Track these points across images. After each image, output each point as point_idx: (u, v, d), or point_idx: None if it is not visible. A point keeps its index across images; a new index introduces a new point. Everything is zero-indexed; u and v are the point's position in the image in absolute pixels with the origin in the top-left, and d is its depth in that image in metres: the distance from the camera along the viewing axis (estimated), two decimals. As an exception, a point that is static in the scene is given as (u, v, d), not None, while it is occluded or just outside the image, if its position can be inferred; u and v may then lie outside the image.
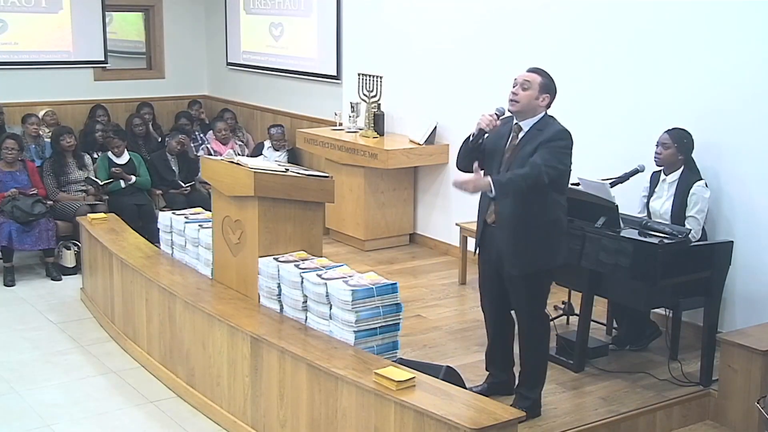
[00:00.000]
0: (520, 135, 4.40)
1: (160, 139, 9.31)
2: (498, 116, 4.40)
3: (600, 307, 5.55)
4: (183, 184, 8.39)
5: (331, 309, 4.45)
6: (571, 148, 4.33)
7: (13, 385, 5.39)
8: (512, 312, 4.68)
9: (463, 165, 4.49)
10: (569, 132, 4.34)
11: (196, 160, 8.47)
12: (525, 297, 4.49)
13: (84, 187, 7.90)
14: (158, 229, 6.08)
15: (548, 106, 4.43)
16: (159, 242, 6.09)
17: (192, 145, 9.21)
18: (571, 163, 4.36)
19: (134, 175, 8.12)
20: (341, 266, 4.73)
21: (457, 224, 6.82)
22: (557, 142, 4.28)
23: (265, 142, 9.20)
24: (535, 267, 4.40)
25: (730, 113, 5.37)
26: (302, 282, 4.59)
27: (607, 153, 6.00)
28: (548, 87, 4.41)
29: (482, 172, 4.27)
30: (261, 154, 8.94)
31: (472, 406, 3.74)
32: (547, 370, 4.65)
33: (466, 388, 4.25)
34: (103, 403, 5.19)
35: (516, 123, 4.44)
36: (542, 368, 4.61)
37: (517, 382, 4.69)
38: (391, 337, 4.46)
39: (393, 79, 7.83)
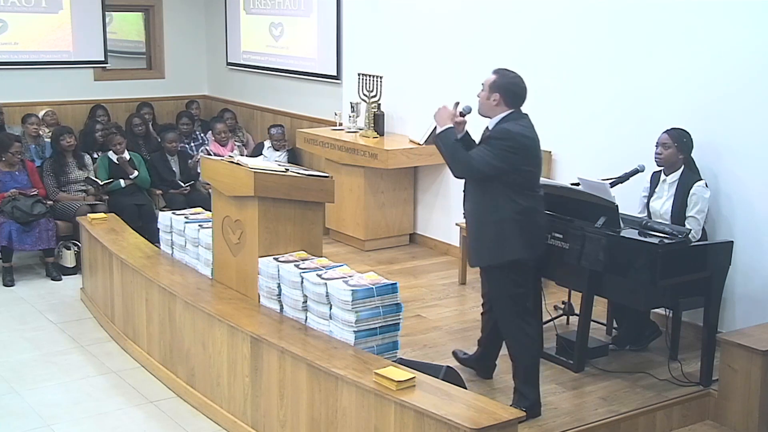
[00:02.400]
0: (485, 135, 4.58)
1: (159, 139, 9.31)
2: (461, 114, 4.58)
3: (600, 307, 5.55)
4: (183, 184, 8.39)
5: (331, 309, 4.46)
6: (515, 148, 4.36)
7: (13, 385, 5.39)
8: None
9: None
10: (514, 132, 4.39)
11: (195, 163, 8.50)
12: (492, 290, 4.69)
13: (84, 187, 7.90)
14: (158, 229, 6.08)
15: (509, 105, 4.47)
16: (159, 242, 6.09)
17: (192, 144, 9.22)
18: (518, 162, 4.37)
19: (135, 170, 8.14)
20: (341, 266, 4.73)
21: (457, 224, 6.82)
22: (495, 141, 4.40)
23: (265, 142, 9.19)
24: (485, 262, 4.61)
25: (730, 113, 5.37)
26: (302, 282, 4.60)
27: (607, 153, 6.01)
28: (499, 86, 4.47)
29: (452, 108, 4.55)
30: (261, 154, 8.94)
31: (472, 406, 3.74)
32: (537, 367, 4.64)
33: (466, 389, 4.25)
34: (103, 403, 5.19)
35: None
36: (528, 364, 4.61)
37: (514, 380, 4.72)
38: (391, 337, 4.47)
39: (393, 79, 7.83)
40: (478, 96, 4.55)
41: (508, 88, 4.48)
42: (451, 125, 4.48)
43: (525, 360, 4.59)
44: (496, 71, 4.56)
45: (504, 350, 5.31)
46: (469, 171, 4.44)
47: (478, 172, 4.40)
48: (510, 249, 4.48)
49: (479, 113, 4.59)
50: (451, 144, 4.46)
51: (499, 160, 4.35)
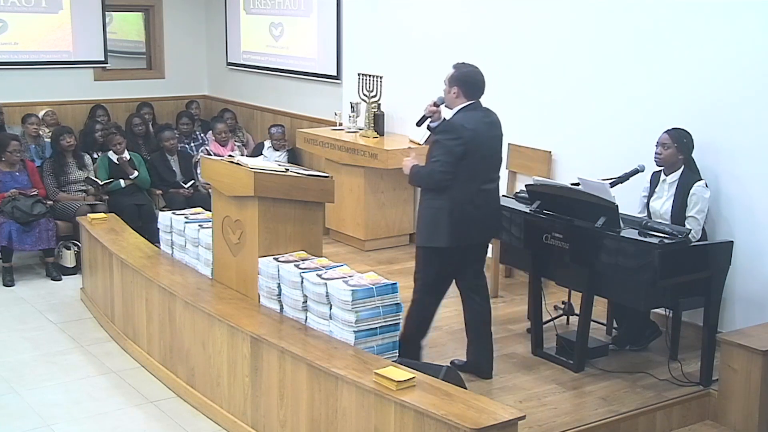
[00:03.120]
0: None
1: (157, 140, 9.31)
2: (436, 104, 4.90)
3: (600, 307, 5.54)
4: (184, 185, 8.38)
5: (331, 309, 4.46)
6: (457, 139, 4.66)
7: (13, 385, 5.39)
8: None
9: None
10: (455, 124, 4.71)
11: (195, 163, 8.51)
12: (416, 265, 4.97)
13: (84, 187, 7.90)
14: (158, 229, 6.08)
15: (467, 96, 4.78)
16: (159, 242, 6.09)
17: (192, 144, 9.22)
18: (463, 153, 4.65)
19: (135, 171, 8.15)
20: (341, 266, 4.74)
21: (457, 224, 6.81)
22: (438, 136, 4.76)
23: (265, 142, 9.19)
24: (420, 242, 4.90)
25: (730, 113, 5.36)
26: (302, 282, 4.60)
27: (607, 153, 6.01)
28: (456, 79, 4.79)
29: (412, 156, 5.04)
30: (261, 154, 8.94)
31: (472, 406, 3.74)
32: (419, 337, 4.93)
33: (466, 389, 4.25)
34: (103, 403, 5.19)
35: None
36: (412, 331, 4.90)
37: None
38: (391, 337, 4.47)
39: (393, 79, 7.82)
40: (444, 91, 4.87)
41: (465, 80, 4.79)
42: (416, 162, 4.89)
43: (412, 328, 4.88)
44: (455, 65, 4.87)
45: (500, 350, 5.33)
46: (437, 180, 4.72)
47: (441, 174, 4.69)
48: (439, 236, 4.78)
49: (446, 106, 4.88)
50: (418, 177, 4.87)
51: (450, 156, 4.67)
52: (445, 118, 4.87)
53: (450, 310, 6.19)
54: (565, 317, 5.75)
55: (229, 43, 10.46)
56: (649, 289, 4.78)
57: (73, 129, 8.48)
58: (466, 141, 4.65)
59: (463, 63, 4.89)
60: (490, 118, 4.86)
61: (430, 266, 4.87)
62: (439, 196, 4.75)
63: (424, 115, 4.98)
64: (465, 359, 5.09)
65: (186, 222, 5.71)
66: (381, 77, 7.77)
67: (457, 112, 4.78)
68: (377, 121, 7.89)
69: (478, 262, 5.03)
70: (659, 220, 5.21)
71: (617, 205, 4.89)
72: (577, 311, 5.37)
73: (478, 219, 4.80)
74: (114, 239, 6.29)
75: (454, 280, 5.03)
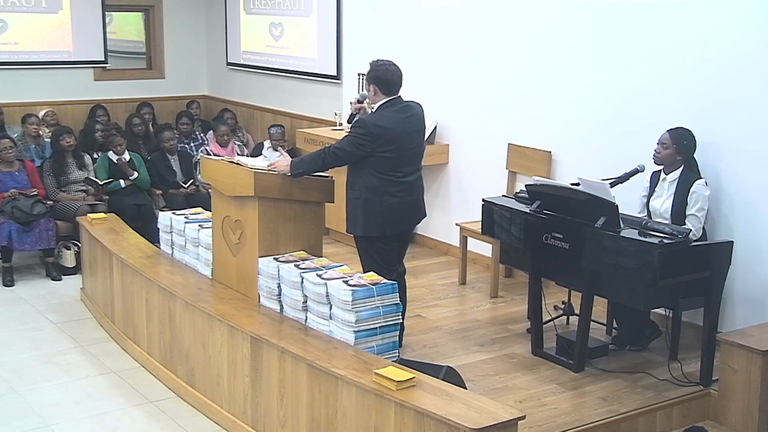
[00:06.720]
0: None
1: (157, 140, 9.30)
2: (359, 101, 5.14)
3: (600, 307, 5.55)
4: (184, 185, 8.37)
5: (331, 309, 4.46)
6: (367, 136, 4.82)
7: (13, 385, 5.39)
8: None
9: None
10: (368, 123, 4.87)
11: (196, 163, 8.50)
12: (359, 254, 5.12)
13: (84, 187, 7.90)
14: (158, 229, 6.08)
15: (385, 93, 4.94)
16: (159, 242, 6.09)
17: (192, 144, 9.21)
18: (371, 149, 4.81)
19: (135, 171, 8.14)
20: (341, 266, 4.74)
21: (457, 224, 6.82)
22: (352, 130, 4.93)
23: (265, 142, 9.18)
24: (352, 231, 5.03)
25: (730, 112, 5.36)
26: (302, 282, 4.60)
27: (607, 153, 6.01)
28: (372, 78, 4.96)
29: (287, 153, 5.16)
30: (261, 154, 8.93)
31: (472, 406, 3.74)
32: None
33: (466, 388, 4.25)
34: (103, 403, 5.19)
35: None
36: None
37: None
38: (391, 337, 4.47)
39: (393, 79, 7.80)
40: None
41: (380, 78, 4.95)
42: (288, 165, 4.89)
43: None
44: (371, 63, 5.02)
45: (500, 350, 5.32)
46: (329, 161, 4.88)
47: (334, 155, 4.87)
48: (358, 224, 4.97)
49: (370, 103, 5.05)
50: (302, 163, 4.91)
51: (352, 147, 4.84)
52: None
53: (450, 310, 6.21)
54: (565, 317, 5.75)
55: (229, 43, 10.46)
56: (649, 289, 4.78)
57: (73, 129, 8.47)
58: (374, 138, 4.81)
59: (379, 60, 5.03)
60: (409, 113, 5.01)
61: (371, 256, 4.99)
62: (356, 186, 4.94)
63: (351, 113, 5.21)
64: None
65: (186, 222, 5.71)
66: (381, 77, 7.75)
67: (377, 108, 4.95)
68: (377, 121, 7.88)
69: (400, 251, 5.18)
70: (659, 220, 5.21)
71: (617, 205, 4.88)
72: (577, 311, 5.37)
73: (398, 208, 4.94)
74: (114, 239, 6.29)
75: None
